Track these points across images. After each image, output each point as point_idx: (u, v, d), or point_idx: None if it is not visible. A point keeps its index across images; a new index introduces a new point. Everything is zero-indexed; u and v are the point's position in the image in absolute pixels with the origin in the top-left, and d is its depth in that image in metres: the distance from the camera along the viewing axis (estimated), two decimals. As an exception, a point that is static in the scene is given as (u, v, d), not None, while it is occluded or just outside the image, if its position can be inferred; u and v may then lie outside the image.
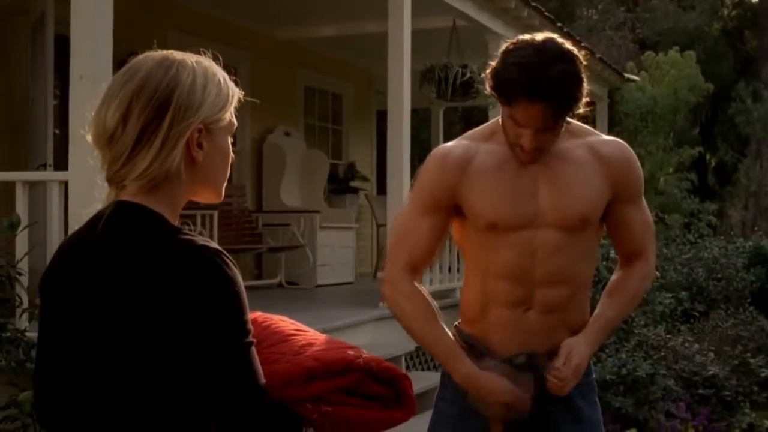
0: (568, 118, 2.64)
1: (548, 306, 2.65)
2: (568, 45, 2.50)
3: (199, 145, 1.69)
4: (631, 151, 2.76)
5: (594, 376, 2.85)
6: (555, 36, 2.52)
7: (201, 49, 1.79)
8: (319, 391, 1.72)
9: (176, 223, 1.72)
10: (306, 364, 1.73)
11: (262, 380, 1.63)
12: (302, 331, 1.87)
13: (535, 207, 2.63)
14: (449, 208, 2.68)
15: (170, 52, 1.74)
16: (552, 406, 2.67)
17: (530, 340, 2.66)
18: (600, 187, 2.66)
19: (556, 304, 2.65)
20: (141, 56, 1.73)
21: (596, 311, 2.76)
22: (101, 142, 1.71)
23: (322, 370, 1.73)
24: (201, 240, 1.66)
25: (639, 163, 2.76)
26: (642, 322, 7.56)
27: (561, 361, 2.60)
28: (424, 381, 6.84)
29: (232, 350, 1.60)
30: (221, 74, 1.76)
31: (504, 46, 2.55)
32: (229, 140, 1.77)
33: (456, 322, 2.82)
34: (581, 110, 2.54)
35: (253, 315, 1.78)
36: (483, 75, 2.63)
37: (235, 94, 1.77)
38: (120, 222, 1.68)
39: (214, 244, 1.68)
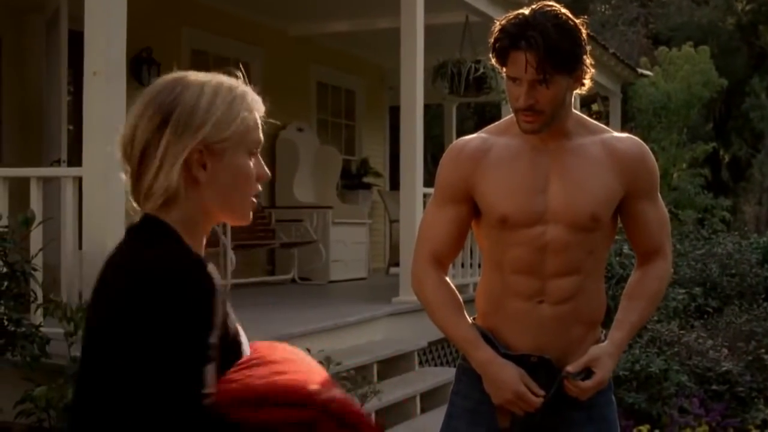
0: (584, 116, 2.65)
1: (560, 297, 2.66)
2: (564, 11, 2.54)
3: (204, 166, 1.70)
4: (646, 147, 2.76)
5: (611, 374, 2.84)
6: (555, 5, 2.57)
7: (231, 69, 1.79)
8: (269, 419, 1.61)
9: (197, 241, 1.72)
10: (256, 387, 1.62)
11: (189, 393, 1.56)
12: (295, 362, 1.74)
13: (545, 203, 2.63)
14: (468, 200, 2.70)
15: (188, 73, 1.76)
16: (567, 404, 2.67)
17: (543, 333, 2.67)
18: (612, 184, 2.65)
19: (568, 294, 2.66)
20: (162, 77, 1.77)
21: (618, 316, 2.76)
22: (123, 158, 1.77)
23: (274, 397, 1.61)
24: (176, 257, 1.66)
25: (654, 160, 2.76)
26: (655, 318, 7.54)
27: (579, 366, 2.62)
28: (436, 377, 6.84)
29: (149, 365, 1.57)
30: (238, 92, 1.74)
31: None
32: (253, 159, 1.74)
33: (471, 318, 2.82)
34: (587, 83, 2.57)
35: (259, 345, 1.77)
36: (495, 70, 2.68)
37: (254, 111, 1.75)
38: (134, 232, 1.75)
39: (190, 265, 1.65)
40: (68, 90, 7.70)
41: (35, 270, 4.73)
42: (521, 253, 2.65)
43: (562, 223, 2.63)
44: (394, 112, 10.36)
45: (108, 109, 4.80)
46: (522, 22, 2.50)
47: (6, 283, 4.54)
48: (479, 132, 2.79)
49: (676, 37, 19.22)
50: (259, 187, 1.74)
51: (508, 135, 2.70)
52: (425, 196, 7.57)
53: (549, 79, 2.50)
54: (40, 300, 4.82)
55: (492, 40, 2.57)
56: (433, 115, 14.74)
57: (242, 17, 9.83)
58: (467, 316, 2.74)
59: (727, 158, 21.24)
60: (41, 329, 4.62)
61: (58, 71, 7.36)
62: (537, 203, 2.63)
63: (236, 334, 1.74)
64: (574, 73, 2.55)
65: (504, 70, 2.58)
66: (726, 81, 14.88)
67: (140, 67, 8.59)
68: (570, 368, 2.62)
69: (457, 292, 2.77)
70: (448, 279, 2.77)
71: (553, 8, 2.54)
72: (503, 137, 2.71)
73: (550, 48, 2.47)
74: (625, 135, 2.76)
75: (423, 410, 6.42)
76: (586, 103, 14.20)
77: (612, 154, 2.67)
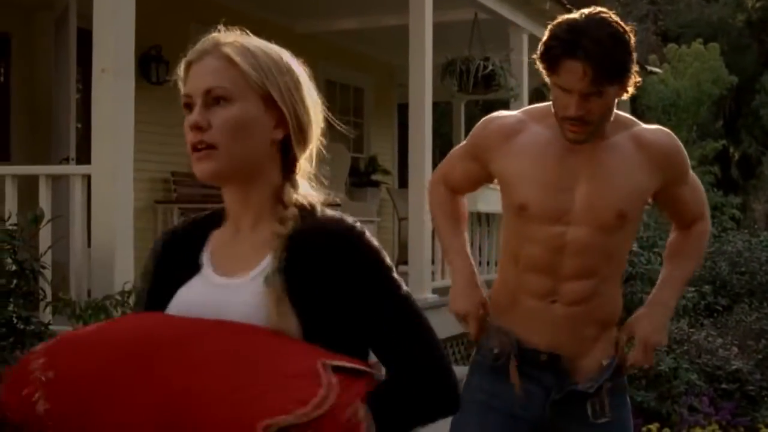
0: (616, 110, 2.64)
1: (573, 299, 2.65)
2: (615, 17, 2.51)
3: None
4: (674, 136, 2.76)
5: (625, 377, 2.84)
6: (605, 10, 2.53)
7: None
8: None
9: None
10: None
11: None
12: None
13: (570, 202, 2.61)
14: (481, 165, 2.78)
15: None
16: (580, 406, 2.67)
17: (556, 332, 2.66)
18: (643, 181, 2.64)
19: (581, 297, 2.65)
20: None
21: (660, 276, 2.82)
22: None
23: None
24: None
25: (682, 147, 2.76)
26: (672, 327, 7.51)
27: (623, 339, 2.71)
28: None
29: None
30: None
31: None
32: (185, 111, 1.71)
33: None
34: (630, 89, 2.54)
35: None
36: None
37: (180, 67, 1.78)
38: None
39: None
40: (77, 88, 7.70)
41: (44, 268, 4.73)
42: (538, 250, 2.64)
43: (585, 224, 2.61)
44: (403, 110, 10.34)
45: (117, 106, 4.80)
46: (577, 30, 2.45)
47: (15, 281, 4.54)
48: (518, 111, 2.80)
49: (685, 34, 19.17)
50: (192, 137, 1.66)
51: (544, 124, 2.66)
52: (434, 193, 7.56)
53: (603, 90, 2.48)
54: (49, 298, 4.82)
55: (543, 45, 2.52)
56: (441, 113, 14.74)
57: (249, 15, 9.82)
58: (464, 231, 2.93)
59: (736, 156, 21.18)
60: (50, 327, 4.62)
61: (67, 69, 7.37)
62: (561, 201, 2.61)
63: (165, 295, 1.72)
64: (625, 81, 2.53)
65: (551, 77, 2.52)
66: (736, 78, 14.87)
67: (149, 64, 8.59)
68: (580, 386, 2.66)
69: (464, 208, 2.96)
70: (461, 199, 2.95)
71: (606, 15, 2.49)
72: (538, 124, 2.68)
73: (607, 59, 2.44)
74: (654, 127, 2.75)
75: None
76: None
77: (644, 148, 2.65)
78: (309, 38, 10.75)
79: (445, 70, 9.09)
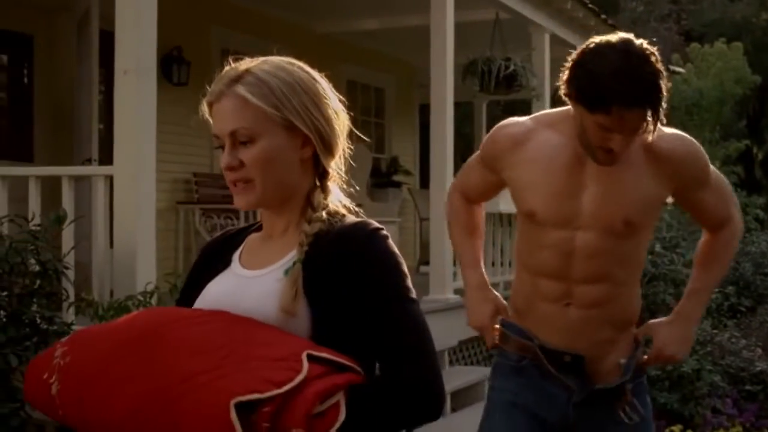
0: None
1: (588, 302, 2.65)
2: (644, 44, 2.45)
3: None
4: (690, 139, 2.70)
5: (645, 376, 2.82)
6: (629, 36, 2.47)
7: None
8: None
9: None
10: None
11: None
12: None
13: (577, 208, 2.60)
14: (494, 173, 2.81)
15: None
16: (601, 407, 2.65)
17: (572, 335, 2.66)
18: (653, 189, 2.61)
19: (596, 301, 2.65)
20: None
21: (689, 284, 2.83)
22: None
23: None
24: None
25: (699, 150, 2.70)
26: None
27: (641, 350, 2.69)
28: (467, 376, 6.82)
29: None
30: None
31: (578, 51, 2.49)
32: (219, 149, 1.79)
33: (508, 313, 2.86)
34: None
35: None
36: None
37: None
38: None
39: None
40: (99, 89, 7.74)
41: (67, 268, 4.75)
42: (548, 256, 2.65)
43: (593, 229, 2.60)
44: (424, 110, 10.34)
45: (139, 108, 4.81)
46: (629, 76, 2.37)
47: (38, 282, 4.57)
48: (529, 117, 2.78)
49: (708, 33, 19.07)
50: (228, 176, 1.77)
51: (554, 129, 2.65)
52: (455, 194, 7.55)
53: (647, 126, 2.45)
54: (71, 298, 4.84)
55: (586, 86, 2.42)
56: (463, 113, 14.71)
57: (270, 15, 9.84)
58: (479, 241, 2.96)
59: (760, 156, 21.04)
60: (73, 327, 4.64)
61: (89, 70, 7.41)
62: (568, 208, 2.61)
63: (197, 289, 1.84)
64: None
65: (592, 115, 2.43)
66: (759, 78, 14.78)
67: (170, 66, 8.62)
68: (600, 385, 2.65)
69: (480, 218, 2.99)
70: (479, 210, 2.98)
71: (644, 48, 2.43)
72: (548, 130, 2.66)
73: (657, 102, 2.41)
74: (669, 131, 2.68)
75: (453, 409, 6.40)
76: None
77: (654, 156, 2.61)
78: (330, 39, 10.76)
79: (466, 70, 9.07)
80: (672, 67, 14.69)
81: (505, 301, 2.86)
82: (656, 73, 2.41)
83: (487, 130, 2.73)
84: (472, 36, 8.98)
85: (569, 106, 2.64)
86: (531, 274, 2.71)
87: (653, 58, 2.42)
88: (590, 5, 10.15)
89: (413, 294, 1.74)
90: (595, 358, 2.66)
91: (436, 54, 7.47)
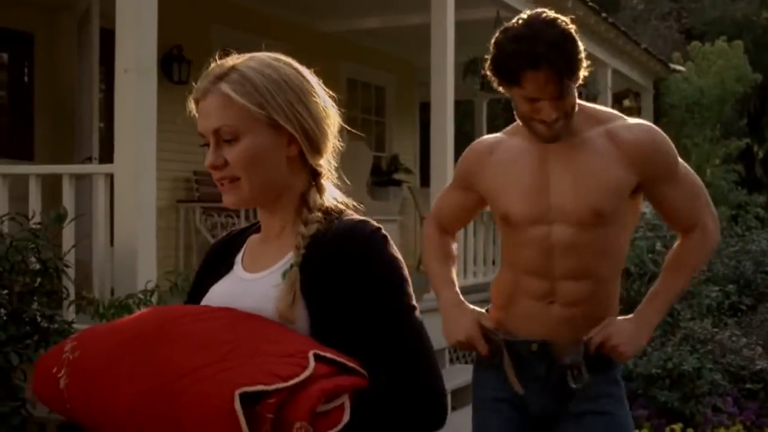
0: (590, 105, 2.70)
1: (571, 300, 2.66)
2: (554, 14, 2.54)
3: None
4: (657, 131, 2.70)
5: (618, 372, 2.80)
6: (542, 10, 2.56)
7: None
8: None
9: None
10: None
11: None
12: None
13: (547, 202, 2.64)
14: (473, 191, 2.84)
15: None
16: (568, 396, 2.67)
17: (553, 332, 2.68)
18: (619, 176, 2.62)
19: (579, 298, 2.66)
20: None
21: (653, 287, 2.80)
22: None
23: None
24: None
25: (667, 141, 2.69)
26: (688, 316, 7.48)
27: (595, 331, 2.64)
28: (467, 374, 6.81)
29: None
30: None
31: (493, 37, 2.59)
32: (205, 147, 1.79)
33: (486, 308, 2.87)
34: (583, 74, 2.55)
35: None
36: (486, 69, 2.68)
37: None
38: None
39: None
40: (100, 87, 7.74)
41: (67, 266, 4.76)
42: (530, 253, 2.68)
43: (566, 222, 2.62)
44: (425, 108, 10.35)
45: (139, 106, 4.82)
46: (530, 39, 2.45)
47: (39, 280, 4.57)
48: (501, 132, 2.86)
49: (709, 31, 19.05)
50: (214, 175, 1.77)
51: (519, 135, 2.72)
52: (456, 192, 7.54)
53: (568, 88, 2.50)
54: (72, 296, 4.85)
55: (496, 61, 2.53)
56: (463, 112, 14.71)
57: (271, 14, 9.84)
58: (451, 267, 2.93)
59: (761, 154, 21.02)
60: (74, 325, 4.64)
61: (90, 69, 7.41)
62: (539, 202, 2.64)
63: (202, 292, 1.85)
64: (580, 72, 2.55)
65: (513, 89, 2.53)
66: (760, 76, 14.75)
67: (171, 64, 8.62)
68: (590, 333, 2.64)
69: (453, 250, 2.98)
70: (452, 242, 2.99)
71: (547, 15, 2.52)
72: (514, 137, 2.75)
73: (566, 60, 2.47)
74: (634, 122, 2.71)
75: (453, 408, 6.40)
76: (617, 99, 14.12)
77: (619, 144, 2.63)
78: (331, 37, 10.76)
79: (467, 69, 9.08)
80: (673, 66, 14.68)
81: (481, 310, 2.84)
82: (560, 34, 2.47)
83: (488, 128, 2.75)
84: (473, 34, 8.96)
85: None
86: (515, 272, 2.74)
87: (560, 22, 2.49)
88: (591, 3, 10.15)
89: (413, 299, 1.72)
90: (565, 344, 2.67)
91: (436, 52, 7.47)
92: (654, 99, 14.45)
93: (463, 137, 14.93)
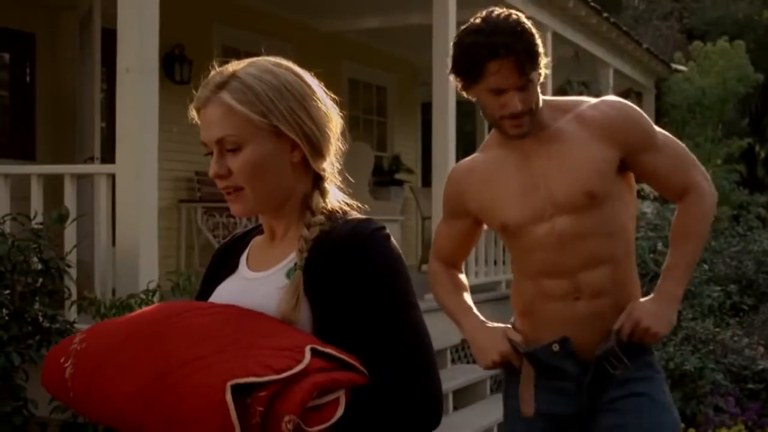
0: (552, 98, 2.74)
1: (595, 291, 2.64)
2: (508, 11, 2.58)
3: None
4: (625, 103, 2.72)
5: (650, 357, 2.78)
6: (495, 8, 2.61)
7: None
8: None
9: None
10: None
11: None
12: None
13: (540, 199, 2.64)
14: (467, 215, 2.82)
15: None
16: (605, 392, 2.66)
17: (581, 329, 2.64)
18: (599, 155, 2.62)
19: (602, 288, 2.64)
20: None
21: (666, 262, 2.77)
22: None
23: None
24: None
25: (637, 111, 2.71)
26: (690, 316, 7.48)
27: (621, 318, 2.62)
28: (468, 374, 6.82)
29: None
30: None
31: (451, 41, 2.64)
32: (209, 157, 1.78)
33: (511, 320, 2.83)
34: (544, 66, 2.58)
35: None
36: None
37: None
38: None
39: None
40: (101, 87, 7.74)
41: (69, 266, 4.76)
42: (540, 255, 2.66)
43: (564, 212, 2.62)
44: (426, 109, 10.34)
45: (141, 106, 4.82)
46: (487, 32, 2.51)
47: (41, 280, 4.58)
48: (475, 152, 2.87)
49: (711, 31, 19.03)
50: (218, 184, 1.77)
51: (494, 147, 2.75)
52: (457, 192, 7.55)
53: (531, 78, 2.53)
54: (74, 296, 4.85)
55: (458, 58, 2.57)
56: (465, 112, 14.70)
57: (273, 13, 9.84)
58: (464, 294, 2.87)
59: (762, 154, 21.01)
60: (75, 325, 4.65)
61: (91, 69, 7.41)
62: (532, 202, 2.64)
63: (208, 294, 1.86)
64: (540, 64, 2.57)
65: (478, 85, 2.56)
66: (762, 76, 14.72)
67: (172, 64, 8.63)
68: (617, 324, 2.62)
69: (463, 281, 2.93)
70: (459, 274, 2.93)
71: (501, 11, 2.57)
72: (492, 150, 2.77)
73: (525, 48, 2.51)
74: (598, 100, 2.74)
75: (455, 408, 6.40)
76: (619, 98, 14.05)
77: (589, 124, 2.65)
78: (333, 37, 10.76)
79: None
80: (674, 66, 14.67)
81: (506, 324, 2.80)
82: (516, 24, 2.52)
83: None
84: (474, 34, 8.97)
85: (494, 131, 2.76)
86: (531, 279, 2.71)
87: (515, 16, 2.54)
88: (592, 4, 10.15)
89: (414, 299, 1.72)
90: (597, 341, 2.65)
91: (438, 52, 7.47)
92: (655, 99, 14.44)
93: (465, 137, 14.95)
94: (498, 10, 2.57)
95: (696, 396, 6.48)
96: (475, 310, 2.82)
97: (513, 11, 2.57)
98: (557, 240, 2.63)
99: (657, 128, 2.73)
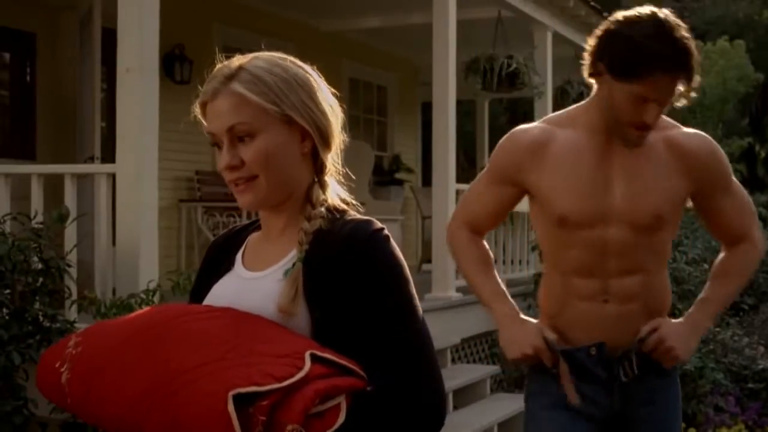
0: None
1: (625, 295, 2.63)
2: (672, 17, 2.49)
3: None
4: (713, 142, 2.71)
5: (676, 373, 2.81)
6: (652, 8, 2.51)
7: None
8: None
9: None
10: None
11: None
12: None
13: (608, 203, 2.59)
14: (516, 185, 2.69)
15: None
16: (633, 398, 2.66)
17: (610, 331, 2.63)
18: (677, 185, 2.62)
19: (633, 293, 2.63)
20: None
21: (702, 293, 2.77)
22: None
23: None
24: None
25: (722, 153, 2.71)
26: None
27: (644, 332, 2.61)
28: (469, 374, 6.82)
29: None
30: None
31: (605, 26, 2.52)
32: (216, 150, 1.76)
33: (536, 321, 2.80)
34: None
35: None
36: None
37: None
38: None
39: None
40: (101, 87, 7.74)
41: (69, 266, 4.76)
42: (581, 254, 2.62)
43: (625, 224, 2.59)
44: (427, 108, 10.34)
45: (141, 106, 4.82)
46: (666, 40, 2.41)
47: (41, 280, 4.58)
48: (540, 121, 2.73)
49: (711, 31, 19.04)
50: (228, 176, 1.74)
51: (571, 128, 2.64)
52: (458, 192, 7.54)
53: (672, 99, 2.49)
54: (74, 296, 4.85)
55: (623, 53, 2.44)
56: (465, 111, 14.72)
57: (273, 13, 9.84)
58: (495, 274, 2.78)
59: (762, 154, 21.02)
60: (75, 325, 4.65)
61: (92, 68, 7.41)
62: (599, 204, 2.59)
63: (204, 291, 1.85)
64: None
65: (628, 84, 2.44)
66: (762, 76, 14.76)
67: (172, 64, 8.63)
68: (641, 334, 2.62)
69: (488, 249, 2.82)
70: (483, 242, 2.81)
71: (671, 18, 2.47)
72: (567, 130, 2.64)
73: (691, 72, 2.45)
74: (692, 131, 2.69)
75: (455, 408, 6.40)
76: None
77: (678, 153, 2.62)
78: (333, 36, 10.76)
79: (468, 68, 9.07)
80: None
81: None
82: (689, 40, 2.44)
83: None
84: (475, 34, 8.98)
85: (576, 105, 2.66)
86: (563, 273, 2.67)
87: (687, 32, 2.46)
88: (592, 3, 10.14)
89: (415, 300, 1.71)
90: (624, 343, 2.64)
91: (438, 52, 7.47)
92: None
93: (465, 137, 14.95)
94: (669, 16, 2.47)
95: (696, 395, 6.48)
96: (508, 295, 2.75)
97: (680, 22, 2.48)
98: (604, 246, 2.60)
99: (732, 173, 2.74)
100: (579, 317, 2.65)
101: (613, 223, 2.59)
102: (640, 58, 2.41)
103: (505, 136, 2.73)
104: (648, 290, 2.66)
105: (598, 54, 2.50)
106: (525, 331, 2.64)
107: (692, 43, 2.45)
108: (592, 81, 2.57)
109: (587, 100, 2.67)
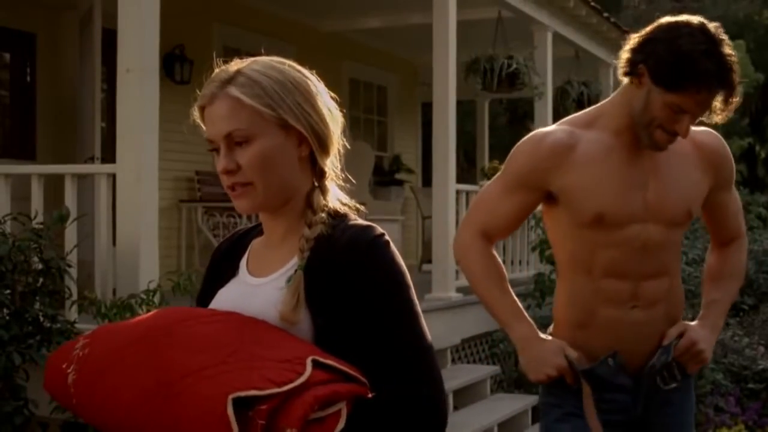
0: None
1: (652, 300, 2.62)
2: (719, 31, 2.47)
3: None
4: (722, 139, 2.76)
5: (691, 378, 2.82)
6: (696, 18, 2.50)
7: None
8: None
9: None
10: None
11: None
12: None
13: (643, 200, 2.57)
14: (539, 191, 2.61)
15: None
16: (656, 403, 2.66)
17: (636, 340, 2.62)
18: (701, 179, 2.64)
19: (659, 297, 2.63)
20: None
21: (705, 298, 2.79)
22: None
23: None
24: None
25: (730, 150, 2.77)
26: (690, 316, 7.47)
27: (671, 336, 2.62)
28: (469, 374, 6.82)
29: None
30: None
31: (652, 29, 2.50)
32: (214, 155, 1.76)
33: (549, 330, 2.75)
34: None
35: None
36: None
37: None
38: None
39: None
40: (102, 87, 7.75)
41: (70, 266, 4.76)
42: (616, 254, 2.58)
43: (660, 221, 2.58)
44: (427, 108, 10.34)
45: (141, 106, 4.82)
46: (716, 57, 2.40)
47: (41, 280, 4.58)
48: (560, 123, 2.66)
49: (711, 31, 19.03)
50: (226, 180, 1.74)
51: (595, 129, 2.60)
52: (458, 192, 7.54)
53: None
54: (74, 296, 4.85)
55: (672, 63, 2.41)
56: (465, 111, 14.72)
57: (274, 14, 9.85)
58: (509, 288, 2.68)
59: (763, 154, 21.02)
60: (76, 325, 4.65)
61: (92, 69, 7.41)
62: (635, 201, 2.57)
63: (209, 297, 1.86)
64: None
65: (668, 94, 2.43)
66: (762, 76, 14.75)
67: (173, 64, 8.62)
68: (666, 341, 2.63)
69: (502, 264, 2.72)
70: (491, 250, 2.71)
71: (721, 34, 2.46)
72: (591, 131, 2.59)
73: (732, 93, 2.46)
74: (703, 128, 2.70)
75: (455, 408, 6.40)
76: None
77: (698, 148, 2.65)
78: (333, 37, 10.76)
79: (469, 69, 9.07)
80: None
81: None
82: (734, 56, 2.45)
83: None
84: (475, 34, 8.99)
85: (600, 104, 2.65)
86: (592, 276, 2.61)
87: (732, 50, 2.45)
88: (593, 3, 10.14)
89: (415, 305, 1.71)
90: (646, 350, 2.64)
91: (438, 52, 7.48)
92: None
93: (465, 137, 14.95)
94: (717, 29, 2.46)
95: (696, 396, 6.48)
96: (524, 312, 2.68)
97: (724, 36, 2.47)
98: (641, 245, 2.57)
99: None
100: (605, 325, 2.61)
101: (649, 221, 2.58)
102: (689, 73, 2.39)
103: (523, 141, 2.66)
104: (670, 294, 2.67)
105: (641, 55, 2.47)
106: (547, 351, 2.59)
107: (736, 60, 2.46)
108: (624, 79, 2.52)
109: (608, 100, 2.65)
